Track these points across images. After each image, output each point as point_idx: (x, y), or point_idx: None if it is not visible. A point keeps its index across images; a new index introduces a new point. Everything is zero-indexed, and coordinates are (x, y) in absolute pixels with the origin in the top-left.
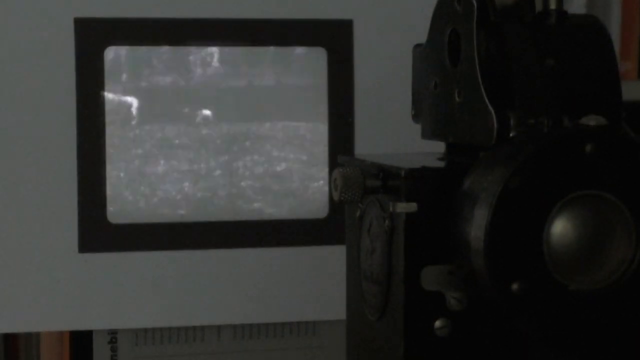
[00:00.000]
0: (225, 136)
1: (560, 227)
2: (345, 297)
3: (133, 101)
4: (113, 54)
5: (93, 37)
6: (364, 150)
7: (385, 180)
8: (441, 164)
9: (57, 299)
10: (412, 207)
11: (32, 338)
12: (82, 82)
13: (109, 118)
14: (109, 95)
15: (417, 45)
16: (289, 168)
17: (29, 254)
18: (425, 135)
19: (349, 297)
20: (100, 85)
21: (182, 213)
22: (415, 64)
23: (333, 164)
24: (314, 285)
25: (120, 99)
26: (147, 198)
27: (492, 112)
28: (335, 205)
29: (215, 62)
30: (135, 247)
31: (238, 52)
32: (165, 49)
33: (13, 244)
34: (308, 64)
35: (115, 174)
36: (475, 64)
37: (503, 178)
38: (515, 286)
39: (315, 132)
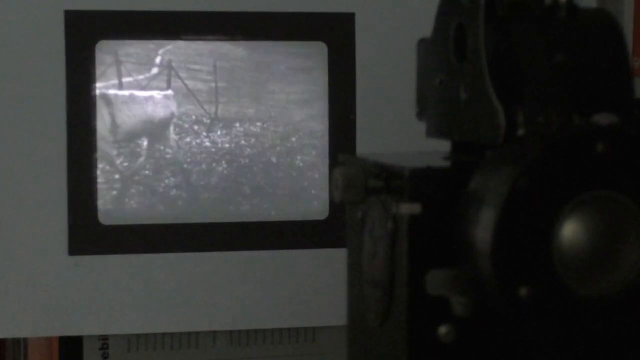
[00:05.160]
0: (222, 135)
1: (570, 230)
2: (345, 302)
3: (125, 98)
4: (105, 48)
5: (84, 31)
6: (366, 149)
7: (388, 180)
8: (446, 164)
9: (46, 303)
10: (416, 208)
11: (19, 344)
12: (73, 77)
13: (100, 115)
14: (100, 92)
15: (422, 40)
16: (288, 167)
17: (17, 256)
18: (430, 133)
19: (349, 302)
20: (91, 81)
21: (176, 214)
22: (419, 59)
23: (334, 163)
24: (313, 290)
25: (113, 96)
26: (140, 198)
27: (500, 109)
28: (335, 206)
29: (210, 57)
30: (128, 250)
31: (235, 46)
32: (159, 43)
33: (0, 246)
34: (308, 59)
35: (107, 173)
36: (482, 59)
37: (511, 178)
38: (523, 291)
39: (316, 130)
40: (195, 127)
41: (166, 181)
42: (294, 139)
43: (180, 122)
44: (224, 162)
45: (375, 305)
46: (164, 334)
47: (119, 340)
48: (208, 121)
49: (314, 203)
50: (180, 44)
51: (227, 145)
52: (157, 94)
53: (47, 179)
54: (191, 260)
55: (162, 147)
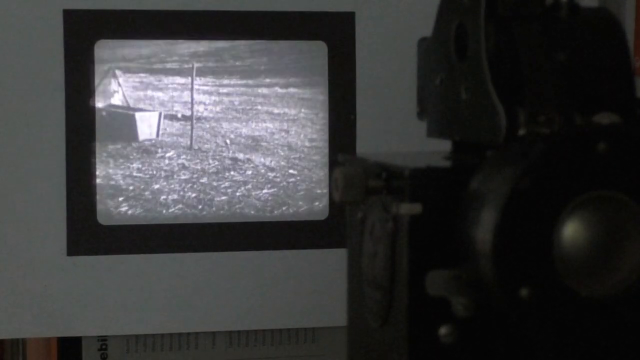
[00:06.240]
0: (221, 134)
1: (571, 230)
2: (346, 303)
3: (124, 97)
4: (104, 47)
5: (83, 30)
6: (366, 149)
7: (389, 180)
8: (447, 164)
9: (44, 304)
10: (417, 208)
11: (18, 345)
12: (72, 76)
13: (98, 115)
14: (99, 91)
15: (422, 39)
16: (288, 168)
17: (15, 256)
18: (431, 133)
19: (349, 302)
20: (90, 80)
21: (175, 214)
22: (420, 58)
23: (334, 163)
24: (313, 291)
25: (111, 95)
26: (139, 198)
27: (501, 109)
28: (335, 207)
29: (210, 56)
30: (127, 250)
31: (235, 46)
32: (158, 42)
33: None
34: (308, 59)
35: (106, 173)
36: (482, 59)
37: (512, 178)
38: (524, 292)
39: (315, 129)
40: (194, 126)
41: (165, 182)
42: (294, 139)
43: (180, 121)
44: (223, 162)
45: (375, 306)
46: (163, 335)
47: (118, 341)
48: (208, 120)
49: (314, 203)
50: (181, 43)
51: (224, 144)
52: (156, 94)
53: (46, 180)
54: (190, 261)
55: (161, 147)
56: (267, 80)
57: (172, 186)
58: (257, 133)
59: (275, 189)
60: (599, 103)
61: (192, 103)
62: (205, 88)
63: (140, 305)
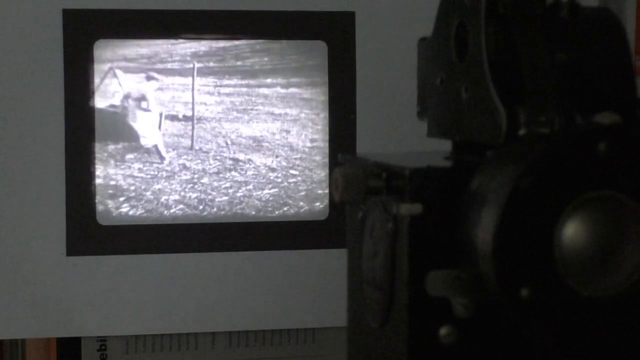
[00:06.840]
0: (222, 135)
1: (572, 230)
2: (346, 303)
3: (125, 97)
4: (103, 47)
5: (82, 30)
6: (367, 149)
7: (389, 180)
8: (447, 164)
9: (44, 304)
10: (417, 208)
11: (17, 345)
12: (71, 76)
13: (98, 115)
14: (98, 91)
15: (423, 39)
16: (288, 168)
17: (14, 256)
18: (431, 133)
19: (350, 303)
20: (89, 80)
21: (175, 214)
22: (420, 58)
23: (334, 163)
24: (313, 291)
25: (111, 95)
26: (139, 198)
27: (501, 109)
28: (335, 207)
29: (211, 56)
30: (126, 250)
31: (236, 45)
32: (158, 42)
33: None
34: (308, 59)
35: (105, 173)
36: (483, 58)
37: (512, 178)
38: (524, 292)
39: (317, 130)
40: (194, 126)
41: (164, 182)
42: (294, 139)
43: (181, 121)
44: (222, 162)
45: (375, 306)
46: (162, 335)
47: (118, 342)
48: (209, 121)
49: (314, 203)
50: (181, 43)
51: (225, 145)
52: (155, 93)
53: (45, 180)
54: (190, 261)
55: (160, 148)
56: (268, 80)
57: (173, 186)
58: (258, 133)
59: (276, 189)
60: (599, 103)
61: (193, 103)
62: (206, 88)
63: (140, 305)
